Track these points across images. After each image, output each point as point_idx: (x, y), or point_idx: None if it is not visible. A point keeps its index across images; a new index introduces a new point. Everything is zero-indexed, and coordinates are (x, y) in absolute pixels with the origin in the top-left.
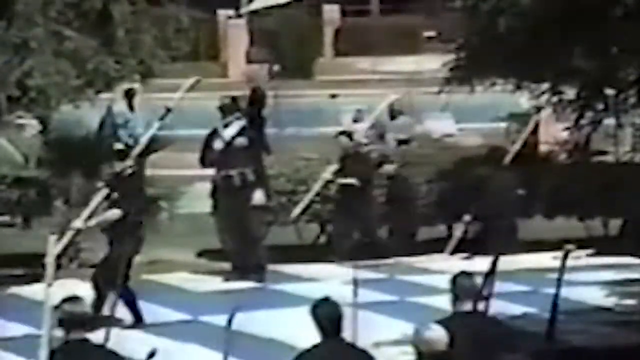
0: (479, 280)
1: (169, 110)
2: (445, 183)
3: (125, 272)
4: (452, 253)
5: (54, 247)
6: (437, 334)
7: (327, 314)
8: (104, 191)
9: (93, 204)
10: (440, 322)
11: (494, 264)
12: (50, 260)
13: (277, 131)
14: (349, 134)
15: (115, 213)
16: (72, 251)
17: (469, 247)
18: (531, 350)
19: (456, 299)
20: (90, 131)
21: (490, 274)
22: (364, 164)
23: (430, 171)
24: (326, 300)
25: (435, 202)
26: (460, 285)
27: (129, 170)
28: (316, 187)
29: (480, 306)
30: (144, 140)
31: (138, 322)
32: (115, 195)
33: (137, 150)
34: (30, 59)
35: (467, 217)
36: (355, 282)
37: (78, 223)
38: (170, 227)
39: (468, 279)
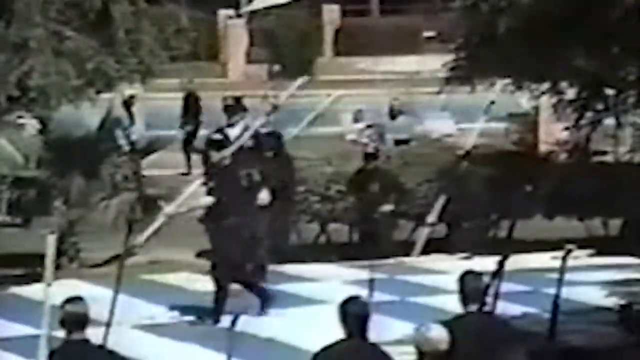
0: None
1: (275, 107)
2: (444, 183)
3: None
4: (431, 252)
5: (53, 247)
6: (439, 334)
7: (353, 313)
8: (201, 180)
9: (187, 192)
10: (447, 321)
11: (501, 263)
12: (49, 260)
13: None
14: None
15: (207, 200)
16: (72, 251)
17: (448, 246)
18: (535, 351)
19: (465, 298)
20: (90, 131)
21: (498, 273)
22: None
23: (429, 171)
24: (354, 298)
25: (434, 202)
26: (468, 284)
27: (226, 161)
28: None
29: (487, 306)
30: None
31: (264, 308)
32: (211, 184)
33: (233, 148)
34: (30, 58)
35: (431, 217)
36: (371, 282)
37: (170, 209)
38: (170, 227)
39: (476, 278)
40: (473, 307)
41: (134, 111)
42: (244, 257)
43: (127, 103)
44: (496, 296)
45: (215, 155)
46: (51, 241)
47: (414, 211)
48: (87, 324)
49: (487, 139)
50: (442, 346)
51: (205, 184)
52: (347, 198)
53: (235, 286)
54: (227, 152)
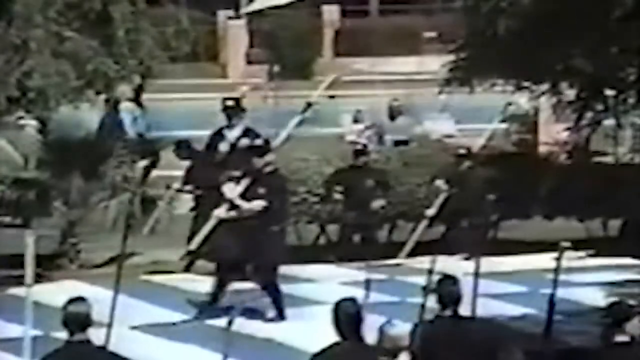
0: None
1: (309, 105)
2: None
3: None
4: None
5: (32, 248)
6: (400, 331)
7: (345, 315)
8: (245, 183)
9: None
10: (421, 325)
11: (477, 265)
12: (29, 261)
13: (276, 131)
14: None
15: (259, 205)
16: (72, 252)
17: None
18: (532, 351)
19: (441, 302)
20: (89, 132)
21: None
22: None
23: (429, 172)
24: (347, 300)
25: (433, 203)
26: (443, 289)
27: (270, 167)
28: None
29: (466, 309)
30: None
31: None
32: (259, 189)
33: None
34: (29, 59)
35: (429, 212)
36: (368, 283)
37: (220, 212)
38: (170, 227)
39: (451, 282)
40: (449, 312)
41: (142, 102)
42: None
43: (137, 91)
44: (474, 299)
45: (258, 161)
46: (30, 242)
47: (415, 212)
48: (90, 324)
49: (487, 140)
50: (402, 343)
51: (247, 189)
52: (333, 195)
53: (234, 285)
54: (270, 157)
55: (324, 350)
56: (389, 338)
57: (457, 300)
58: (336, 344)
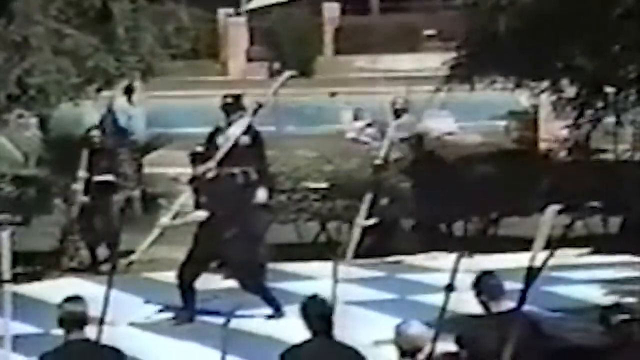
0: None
1: (260, 105)
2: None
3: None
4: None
5: (7, 245)
6: (418, 331)
7: (315, 312)
8: (189, 192)
9: (178, 203)
10: (468, 323)
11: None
12: (5, 259)
13: (276, 129)
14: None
15: (201, 215)
16: (72, 250)
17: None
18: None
19: (483, 299)
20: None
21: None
22: (110, 161)
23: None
24: (315, 297)
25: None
26: (485, 285)
27: (211, 174)
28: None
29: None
30: None
31: (277, 311)
32: (203, 198)
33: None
34: (30, 57)
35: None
36: (335, 283)
37: (164, 221)
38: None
39: (492, 278)
40: (497, 308)
41: (134, 101)
42: (244, 258)
43: (128, 91)
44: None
45: (198, 169)
46: (5, 239)
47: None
48: (87, 323)
49: (487, 137)
50: (420, 343)
51: (196, 198)
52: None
53: (234, 284)
54: (211, 164)
55: (294, 347)
56: (406, 338)
57: (501, 295)
58: (307, 341)
